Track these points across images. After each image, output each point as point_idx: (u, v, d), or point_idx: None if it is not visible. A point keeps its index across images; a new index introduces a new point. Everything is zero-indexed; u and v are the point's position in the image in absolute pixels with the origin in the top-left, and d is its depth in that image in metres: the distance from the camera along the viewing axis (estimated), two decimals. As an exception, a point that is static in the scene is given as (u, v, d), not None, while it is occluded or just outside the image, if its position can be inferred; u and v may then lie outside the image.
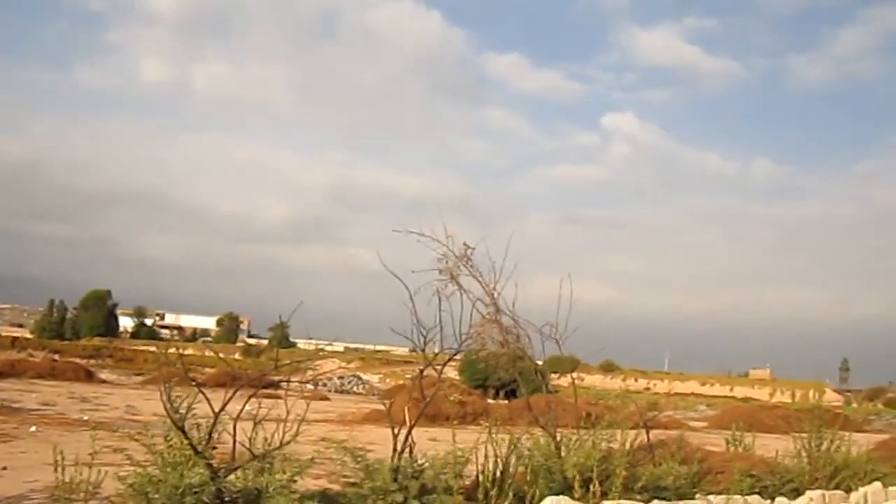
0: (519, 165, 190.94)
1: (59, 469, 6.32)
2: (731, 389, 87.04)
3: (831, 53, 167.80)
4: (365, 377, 63.06)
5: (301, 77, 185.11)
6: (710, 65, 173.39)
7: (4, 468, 9.89)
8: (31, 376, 32.93)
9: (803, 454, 11.28)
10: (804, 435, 11.43)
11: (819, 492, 10.21)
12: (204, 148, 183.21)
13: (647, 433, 9.83)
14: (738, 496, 9.30)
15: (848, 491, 10.78)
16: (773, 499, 9.75)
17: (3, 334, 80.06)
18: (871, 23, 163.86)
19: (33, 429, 14.62)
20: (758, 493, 9.69)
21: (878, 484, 11.11)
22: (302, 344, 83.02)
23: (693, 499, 8.85)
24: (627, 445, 8.99)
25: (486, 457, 7.92)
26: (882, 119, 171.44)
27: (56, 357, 49.71)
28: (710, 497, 9.01)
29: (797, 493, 10.27)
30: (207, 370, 34.58)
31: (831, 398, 74.93)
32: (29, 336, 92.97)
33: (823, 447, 11.27)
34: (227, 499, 6.23)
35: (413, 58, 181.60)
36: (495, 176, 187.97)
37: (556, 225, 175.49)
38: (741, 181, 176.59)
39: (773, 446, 12.47)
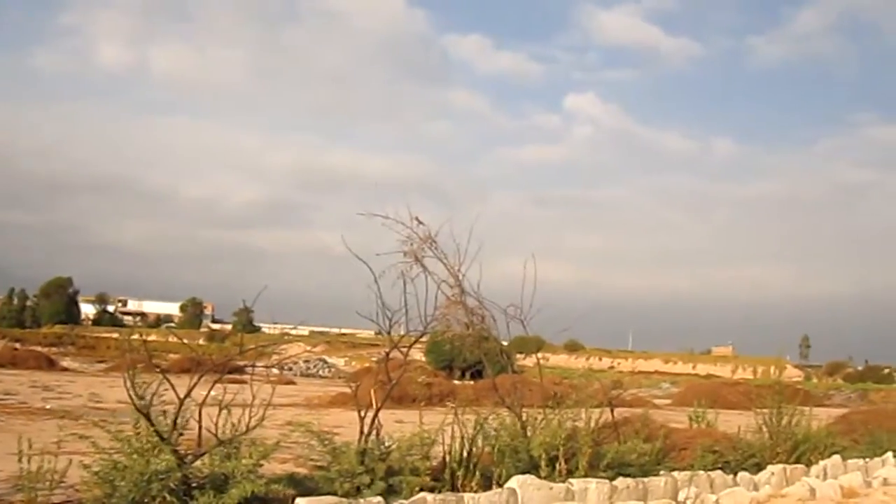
0: (483, 146, 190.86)
1: (24, 458, 6.26)
2: (694, 367, 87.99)
3: (791, 32, 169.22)
4: (331, 360, 63.06)
5: (263, 58, 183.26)
6: (670, 44, 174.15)
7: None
8: (-9, 365, 32.50)
9: (765, 429, 11.48)
10: (765, 410, 11.62)
11: (780, 466, 10.40)
12: (166, 131, 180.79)
13: (612, 411, 9.94)
14: (702, 472, 9.45)
15: (808, 464, 11.01)
16: (735, 473, 9.91)
17: (-38, 323, 78.99)
18: (830, 1, 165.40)
19: (-5, 418, 14.44)
20: (720, 469, 9.86)
21: (837, 457, 11.35)
22: (267, 328, 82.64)
23: (657, 475, 8.98)
24: (592, 424, 9.08)
25: (452, 437, 7.96)
26: (842, 97, 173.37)
27: (17, 345, 49.11)
28: (675, 473, 9.14)
29: (759, 467, 10.46)
30: (171, 356, 34.29)
31: (792, 374, 76.04)
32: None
33: (784, 422, 11.47)
34: (193, 485, 6.22)
35: (375, 39, 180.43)
36: (459, 157, 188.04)
37: (521, 205, 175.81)
38: (703, 160, 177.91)
39: (735, 422, 12.66)
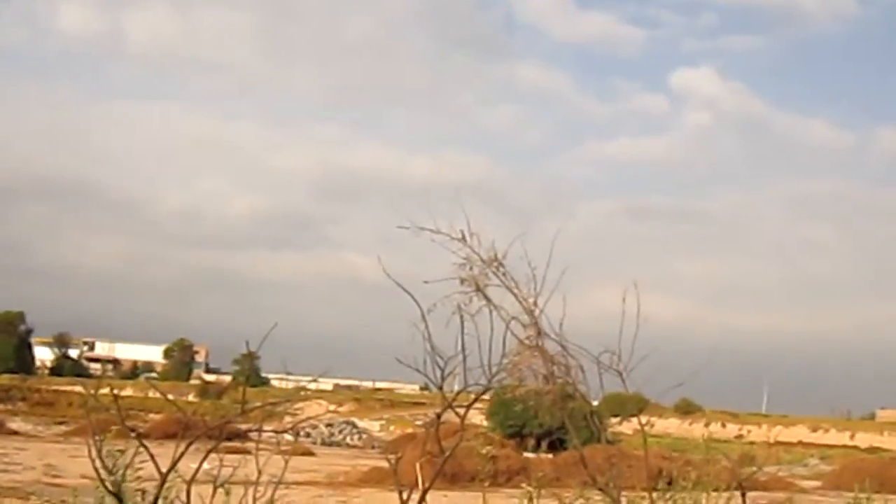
0: (561, 139, 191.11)
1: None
2: (853, 436, 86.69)
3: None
4: (361, 424, 63.25)
5: (271, 27, 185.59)
6: (816, 1, 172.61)
7: None
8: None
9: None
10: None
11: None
12: (143, 121, 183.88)
13: (743, 497, 9.77)
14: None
15: None
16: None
17: None
18: None
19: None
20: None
21: None
22: (277, 381, 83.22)
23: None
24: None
25: (526, 530, 7.88)
26: None
27: (-48, 401, 50.03)
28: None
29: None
30: (152, 416, 34.73)
31: None
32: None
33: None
34: (179, 589, 6.21)
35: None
36: (530, 154, 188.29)
37: (615, 218, 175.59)
38: (860, 157, 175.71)
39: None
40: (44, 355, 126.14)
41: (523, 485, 10.23)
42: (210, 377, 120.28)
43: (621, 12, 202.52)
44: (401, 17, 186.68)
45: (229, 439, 7.00)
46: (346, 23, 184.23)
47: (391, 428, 70.24)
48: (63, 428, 41.83)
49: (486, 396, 8.98)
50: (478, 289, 8.26)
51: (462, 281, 8.27)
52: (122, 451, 6.33)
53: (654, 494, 8.83)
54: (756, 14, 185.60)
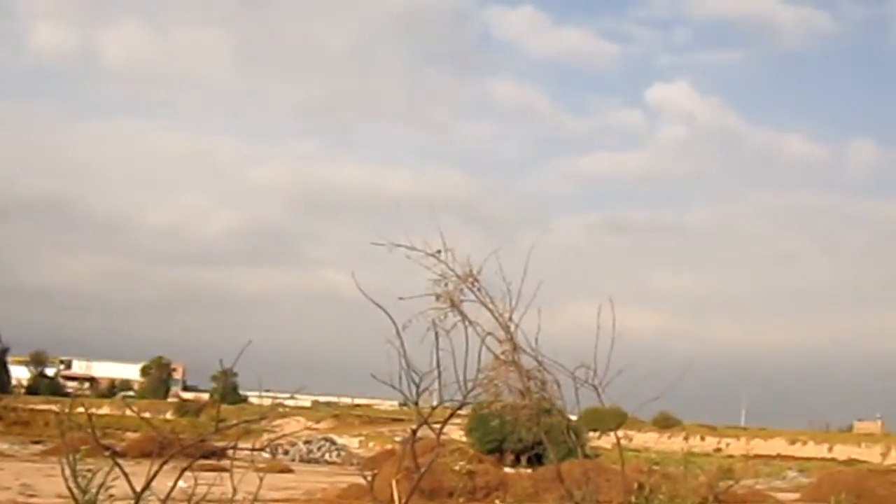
0: (538, 154, 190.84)
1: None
2: (831, 449, 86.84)
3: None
4: (340, 441, 63.07)
5: (247, 43, 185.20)
6: (790, 16, 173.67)
7: None
8: None
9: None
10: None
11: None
12: (120, 138, 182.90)
13: (720, 509, 9.80)
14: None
15: None
16: None
17: None
18: None
19: None
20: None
21: None
22: (255, 398, 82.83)
23: None
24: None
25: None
26: None
27: (-74, 421, 49.73)
28: None
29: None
30: (129, 435, 34.54)
31: (965, 458, 74.67)
32: None
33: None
34: None
35: (392, 13, 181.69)
36: (507, 168, 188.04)
37: (591, 232, 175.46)
38: (835, 169, 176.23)
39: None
40: (20, 374, 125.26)
41: (497, 501, 10.26)
42: (188, 395, 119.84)
43: (596, 28, 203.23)
44: (378, 33, 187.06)
45: (205, 457, 6.99)
46: (324, 39, 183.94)
47: (370, 444, 70.18)
48: (39, 447, 41.59)
49: (462, 412, 9.00)
50: (453, 305, 8.28)
51: (437, 297, 8.28)
52: (93, 471, 6.31)
53: (631, 508, 8.85)
54: (730, 29, 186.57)
